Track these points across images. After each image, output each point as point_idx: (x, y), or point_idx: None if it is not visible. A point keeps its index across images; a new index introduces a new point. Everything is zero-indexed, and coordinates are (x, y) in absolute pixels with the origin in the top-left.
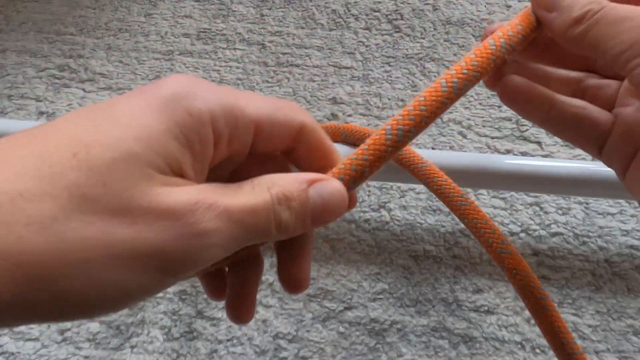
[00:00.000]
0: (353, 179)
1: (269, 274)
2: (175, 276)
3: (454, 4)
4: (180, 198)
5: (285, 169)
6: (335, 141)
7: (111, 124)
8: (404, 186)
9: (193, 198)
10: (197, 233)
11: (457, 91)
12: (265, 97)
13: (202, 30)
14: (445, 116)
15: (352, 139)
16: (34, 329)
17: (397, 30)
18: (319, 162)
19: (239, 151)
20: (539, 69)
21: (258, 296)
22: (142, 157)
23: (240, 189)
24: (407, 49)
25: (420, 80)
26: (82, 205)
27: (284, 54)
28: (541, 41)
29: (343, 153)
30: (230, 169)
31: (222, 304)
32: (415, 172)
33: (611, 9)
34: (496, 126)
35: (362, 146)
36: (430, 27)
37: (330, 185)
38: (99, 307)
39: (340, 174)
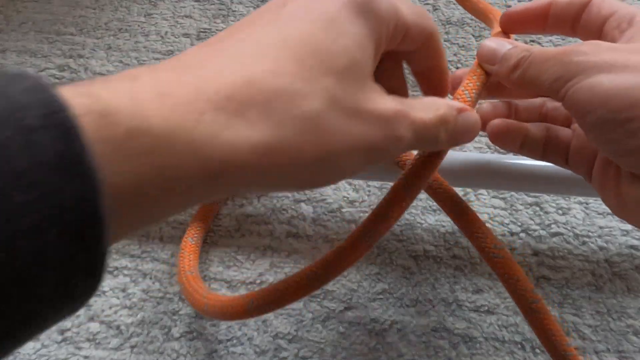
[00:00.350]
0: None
1: (269, 274)
2: (371, 164)
3: (454, 4)
4: (387, 106)
5: (399, 69)
6: None
7: (335, 30)
8: None
9: (395, 107)
10: (396, 136)
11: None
12: (408, 2)
13: (202, 30)
14: None
15: None
16: None
17: None
18: (433, 63)
19: (389, 48)
20: (508, 104)
21: None
22: (363, 65)
23: (419, 105)
24: None
25: None
26: (333, 105)
27: None
28: (499, 83)
29: None
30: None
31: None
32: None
33: (538, 53)
34: None
35: (466, 82)
36: None
37: (472, 116)
38: (325, 183)
39: (466, 102)
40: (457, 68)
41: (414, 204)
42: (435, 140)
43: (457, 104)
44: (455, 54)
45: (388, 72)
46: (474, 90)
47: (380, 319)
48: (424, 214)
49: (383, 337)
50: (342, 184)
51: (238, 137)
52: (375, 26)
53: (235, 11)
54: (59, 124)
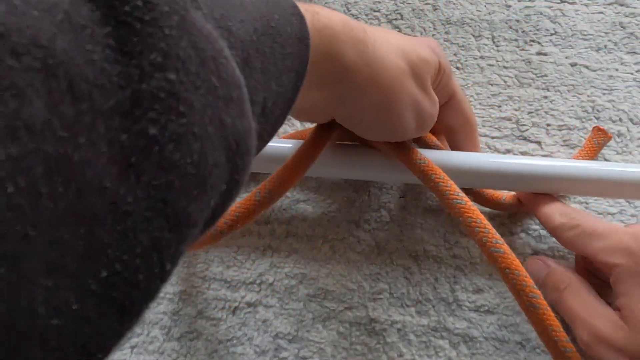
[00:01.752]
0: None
1: (269, 274)
2: (417, 131)
3: (454, 4)
4: (435, 95)
5: None
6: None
7: (415, 43)
8: (404, 186)
9: (436, 97)
10: (434, 116)
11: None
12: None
13: None
14: None
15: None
16: None
17: (397, 30)
18: (457, 124)
19: (439, 99)
20: None
21: (258, 296)
22: (430, 65)
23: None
24: None
25: None
26: (413, 73)
27: None
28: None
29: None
30: None
31: (221, 304)
32: (413, 167)
33: (574, 284)
34: (496, 126)
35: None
36: (430, 27)
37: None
38: (397, 131)
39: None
40: (457, 68)
41: (414, 204)
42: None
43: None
44: (455, 54)
45: None
46: None
47: (380, 319)
48: (424, 214)
49: (383, 337)
50: (342, 184)
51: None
52: (435, 61)
53: None
54: (299, 15)
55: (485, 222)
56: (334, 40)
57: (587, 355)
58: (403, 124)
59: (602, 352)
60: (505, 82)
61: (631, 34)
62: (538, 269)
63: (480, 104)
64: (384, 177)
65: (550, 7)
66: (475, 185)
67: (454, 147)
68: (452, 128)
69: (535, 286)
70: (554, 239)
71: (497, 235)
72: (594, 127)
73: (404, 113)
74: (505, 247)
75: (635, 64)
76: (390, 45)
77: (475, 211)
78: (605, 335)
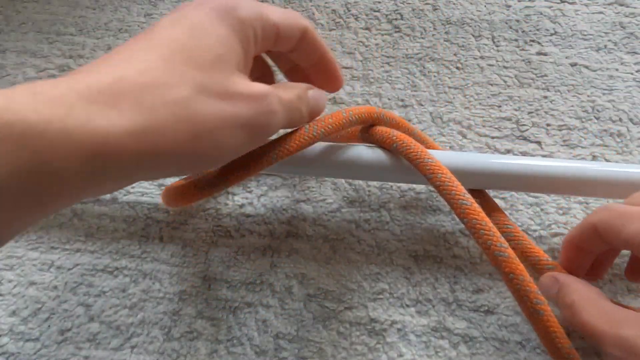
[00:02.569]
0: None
1: (269, 274)
2: (255, 139)
3: (454, 4)
4: (259, 88)
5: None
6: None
7: (199, 33)
8: (404, 186)
9: (265, 88)
10: (270, 110)
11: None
12: (278, 7)
13: None
14: (445, 116)
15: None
16: (34, 330)
17: (397, 30)
18: (317, 56)
19: (266, 46)
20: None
21: (258, 296)
22: (226, 57)
23: (282, 86)
24: (407, 49)
25: (420, 80)
26: (202, 92)
27: None
28: None
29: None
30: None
31: (221, 304)
32: (420, 166)
33: (581, 299)
34: (496, 126)
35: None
36: (430, 27)
37: (318, 91)
38: (212, 161)
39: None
40: (457, 68)
41: (413, 204)
42: (300, 114)
43: (305, 85)
44: (455, 54)
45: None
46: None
47: (380, 319)
48: (424, 214)
49: (383, 337)
50: (342, 184)
51: (111, 124)
52: (238, 27)
53: None
54: None
55: (490, 225)
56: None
57: None
58: (226, 148)
59: None
60: (505, 82)
61: (631, 34)
62: (549, 285)
63: (480, 104)
64: (384, 177)
65: (550, 7)
66: (476, 185)
67: (319, 86)
68: (312, 68)
69: (539, 292)
70: (555, 240)
71: (502, 239)
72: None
73: (215, 144)
74: (510, 252)
75: (635, 64)
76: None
77: (480, 213)
78: (638, 344)
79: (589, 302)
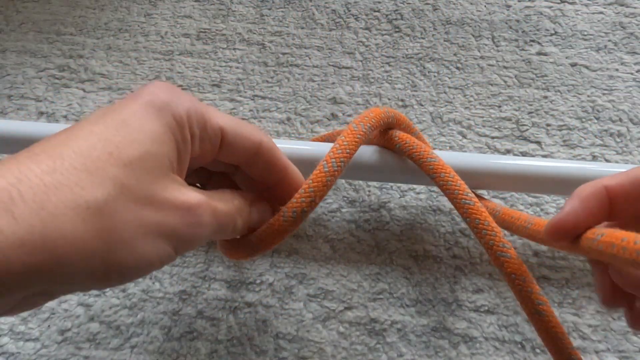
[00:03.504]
0: (304, 209)
1: (269, 274)
2: (179, 252)
3: (454, 4)
4: (189, 197)
5: (233, 186)
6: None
7: (127, 128)
8: (404, 186)
9: (197, 197)
10: (200, 223)
11: (367, 130)
12: (230, 115)
13: (202, 30)
14: (445, 116)
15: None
16: (34, 330)
17: (397, 30)
18: (276, 176)
19: (209, 151)
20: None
21: (258, 296)
22: (158, 156)
23: (218, 196)
24: (407, 49)
25: (420, 80)
26: (122, 194)
27: (284, 54)
28: None
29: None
30: (197, 166)
31: (221, 304)
32: (423, 165)
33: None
34: (496, 126)
35: (307, 180)
36: (430, 27)
37: (265, 206)
38: (131, 273)
39: (293, 207)
40: (457, 68)
41: (413, 204)
42: (234, 227)
43: (249, 195)
44: (455, 54)
45: (218, 183)
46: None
47: (380, 319)
48: (424, 214)
49: (383, 337)
50: (342, 184)
51: (1, 233)
52: (173, 124)
53: (235, 11)
54: None
55: (494, 224)
56: None
57: None
58: (147, 260)
59: None
60: (505, 82)
61: (631, 34)
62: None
63: (480, 104)
64: (384, 177)
65: (550, 7)
66: (476, 185)
67: (272, 203)
68: (268, 185)
69: (541, 292)
70: None
71: (504, 239)
72: None
73: (133, 255)
74: (512, 252)
75: (636, 64)
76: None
77: (483, 213)
78: None
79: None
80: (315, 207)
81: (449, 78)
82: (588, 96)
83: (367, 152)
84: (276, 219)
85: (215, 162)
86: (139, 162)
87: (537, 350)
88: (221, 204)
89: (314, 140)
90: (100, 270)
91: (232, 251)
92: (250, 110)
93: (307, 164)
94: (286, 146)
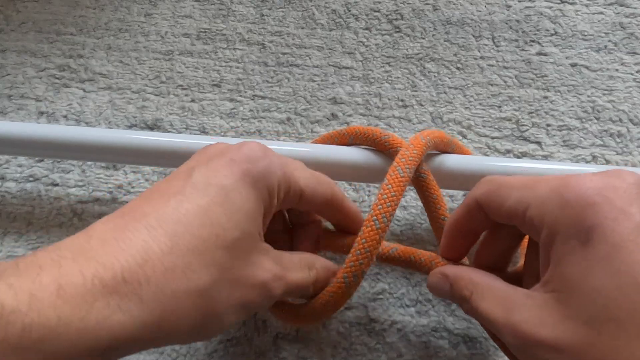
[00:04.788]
0: (363, 270)
1: None
2: (250, 315)
3: (454, 4)
4: (266, 273)
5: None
6: (344, 144)
7: (230, 205)
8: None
9: (273, 272)
10: (272, 296)
11: (411, 173)
12: (309, 170)
13: (202, 30)
14: (446, 116)
15: (358, 141)
16: None
17: (397, 30)
18: (341, 219)
19: (288, 206)
20: None
21: None
22: (252, 234)
23: (295, 266)
24: (407, 49)
25: (420, 80)
26: (223, 277)
27: (284, 54)
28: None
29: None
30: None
31: None
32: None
33: (481, 290)
34: (496, 126)
35: (360, 239)
36: (430, 27)
37: (325, 262)
38: (208, 338)
39: (353, 271)
40: (457, 68)
41: (413, 204)
42: (305, 293)
43: (332, 266)
44: (455, 54)
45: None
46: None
47: (380, 319)
48: (424, 214)
49: (383, 337)
50: (342, 184)
51: (130, 317)
52: (266, 194)
53: (235, 11)
54: None
55: (440, 196)
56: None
57: None
58: (227, 326)
59: (539, 355)
60: (505, 82)
61: (631, 34)
62: (438, 283)
63: (480, 104)
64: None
65: (550, 8)
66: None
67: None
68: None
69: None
70: None
71: (447, 213)
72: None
73: (220, 325)
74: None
75: (636, 64)
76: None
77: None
78: (530, 332)
79: (484, 290)
80: (371, 264)
81: (449, 78)
82: (588, 96)
83: (360, 154)
84: (338, 285)
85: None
86: (239, 243)
87: None
88: (296, 275)
89: (314, 142)
90: (192, 338)
91: (289, 318)
92: (250, 110)
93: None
94: (287, 148)
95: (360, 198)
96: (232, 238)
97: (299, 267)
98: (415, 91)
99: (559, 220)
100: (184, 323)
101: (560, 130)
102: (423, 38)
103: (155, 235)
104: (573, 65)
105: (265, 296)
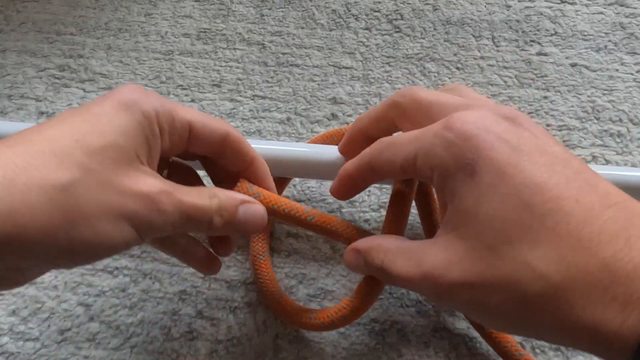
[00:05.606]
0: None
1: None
2: (145, 235)
3: (454, 4)
4: (153, 184)
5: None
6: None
7: (97, 121)
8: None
9: (159, 186)
10: (160, 210)
11: None
12: (198, 111)
13: (202, 30)
14: None
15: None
16: (34, 329)
17: (397, 30)
18: (243, 166)
19: (178, 144)
20: None
21: (258, 296)
22: (124, 148)
23: (194, 191)
24: (407, 49)
25: (420, 80)
26: (86, 177)
27: (284, 54)
28: None
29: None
30: (170, 157)
31: (221, 304)
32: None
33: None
34: None
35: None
36: (430, 27)
37: (254, 207)
38: (94, 253)
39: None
40: (457, 68)
41: (413, 204)
42: (209, 223)
43: (240, 196)
44: (455, 54)
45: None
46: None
47: (380, 319)
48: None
49: (383, 337)
50: None
51: None
52: (142, 120)
53: (235, 11)
54: None
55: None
56: None
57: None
58: (109, 239)
59: (456, 297)
60: (505, 82)
61: (631, 34)
62: (353, 260)
63: None
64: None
65: (550, 8)
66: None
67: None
68: (239, 172)
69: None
70: None
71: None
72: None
73: (95, 234)
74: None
75: (636, 64)
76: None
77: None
78: (441, 277)
79: (395, 254)
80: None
81: (449, 78)
82: (588, 96)
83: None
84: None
85: (187, 154)
86: (104, 151)
87: (537, 351)
88: (190, 198)
89: (312, 141)
90: (64, 244)
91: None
92: (250, 110)
93: (309, 166)
94: (287, 148)
95: (360, 198)
96: (96, 145)
97: (196, 193)
98: None
99: (445, 160)
100: (41, 217)
101: (560, 130)
102: (423, 38)
103: (7, 143)
104: (573, 65)
105: (153, 209)
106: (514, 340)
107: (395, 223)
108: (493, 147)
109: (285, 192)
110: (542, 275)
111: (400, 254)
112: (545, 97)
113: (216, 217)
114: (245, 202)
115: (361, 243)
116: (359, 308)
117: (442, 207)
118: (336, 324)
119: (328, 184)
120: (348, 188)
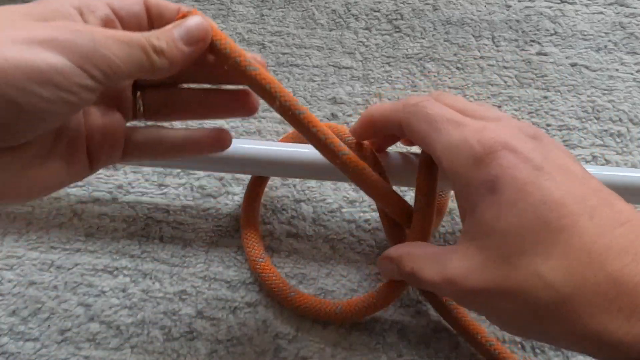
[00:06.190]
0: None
1: None
2: (81, 64)
3: (454, 4)
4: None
5: None
6: None
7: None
8: (403, 187)
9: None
10: (76, 29)
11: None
12: None
13: None
14: None
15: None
16: (34, 329)
17: (397, 30)
18: (172, 19)
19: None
20: None
21: (258, 296)
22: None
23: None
24: (407, 49)
25: (420, 80)
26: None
27: (284, 54)
28: None
29: None
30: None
31: (221, 304)
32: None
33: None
34: None
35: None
36: (430, 27)
37: (190, 17)
38: (21, 82)
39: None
40: (457, 68)
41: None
42: (149, 50)
43: (171, 25)
44: (455, 54)
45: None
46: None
47: (380, 319)
48: None
49: (383, 337)
50: (343, 184)
51: None
52: None
53: (235, 11)
54: None
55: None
56: None
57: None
58: (24, 60)
59: (477, 301)
60: (505, 82)
61: (631, 34)
62: (387, 267)
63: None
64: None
65: (550, 7)
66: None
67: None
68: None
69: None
70: None
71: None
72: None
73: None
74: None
75: (636, 64)
76: None
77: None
78: (461, 283)
79: (423, 260)
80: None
81: (449, 78)
82: (588, 96)
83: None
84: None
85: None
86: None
87: (537, 351)
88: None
89: (283, 140)
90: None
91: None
92: None
93: (308, 166)
94: (287, 148)
95: (360, 198)
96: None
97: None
98: (415, 91)
99: (470, 173)
100: None
101: (560, 130)
102: (423, 38)
103: None
104: (573, 65)
105: (71, 31)
106: (485, 330)
107: (424, 223)
108: (516, 166)
109: (285, 192)
110: (552, 285)
111: (427, 260)
112: (545, 97)
113: (155, 40)
114: (186, 15)
115: (393, 251)
116: (387, 297)
117: (462, 213)
118: (363, 312)
119: (328, 184)
120: (370, 132)
